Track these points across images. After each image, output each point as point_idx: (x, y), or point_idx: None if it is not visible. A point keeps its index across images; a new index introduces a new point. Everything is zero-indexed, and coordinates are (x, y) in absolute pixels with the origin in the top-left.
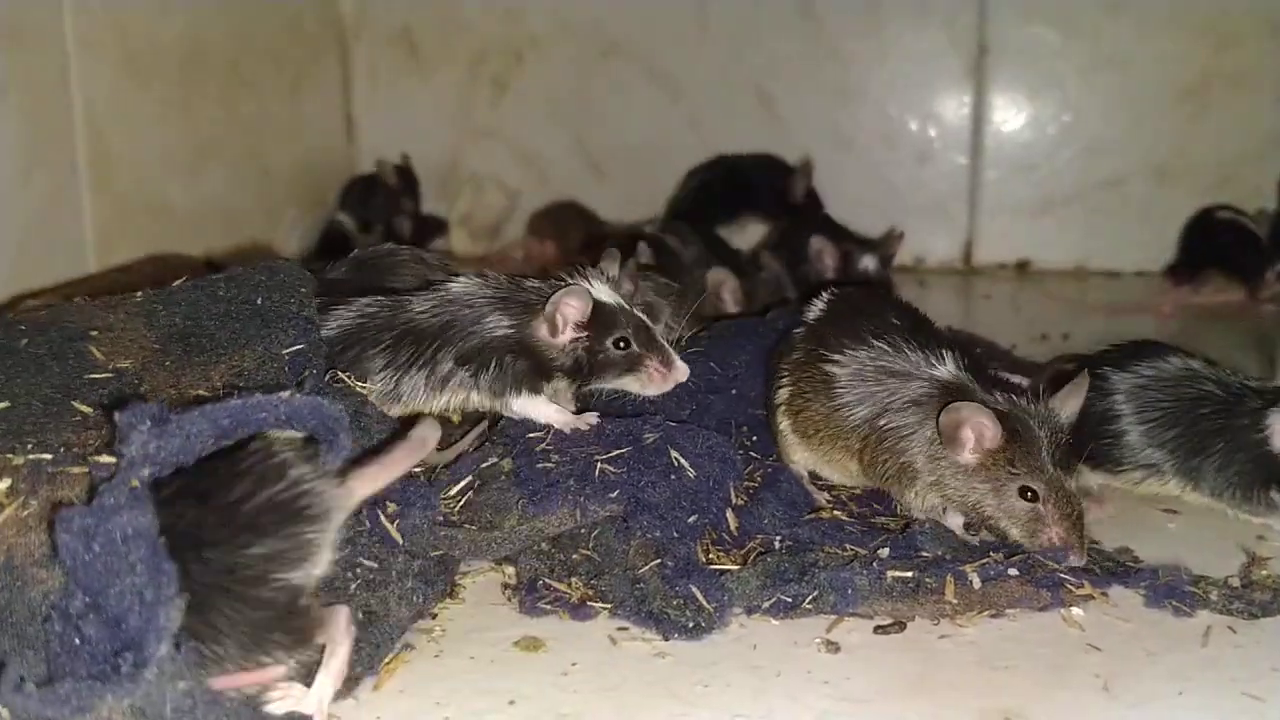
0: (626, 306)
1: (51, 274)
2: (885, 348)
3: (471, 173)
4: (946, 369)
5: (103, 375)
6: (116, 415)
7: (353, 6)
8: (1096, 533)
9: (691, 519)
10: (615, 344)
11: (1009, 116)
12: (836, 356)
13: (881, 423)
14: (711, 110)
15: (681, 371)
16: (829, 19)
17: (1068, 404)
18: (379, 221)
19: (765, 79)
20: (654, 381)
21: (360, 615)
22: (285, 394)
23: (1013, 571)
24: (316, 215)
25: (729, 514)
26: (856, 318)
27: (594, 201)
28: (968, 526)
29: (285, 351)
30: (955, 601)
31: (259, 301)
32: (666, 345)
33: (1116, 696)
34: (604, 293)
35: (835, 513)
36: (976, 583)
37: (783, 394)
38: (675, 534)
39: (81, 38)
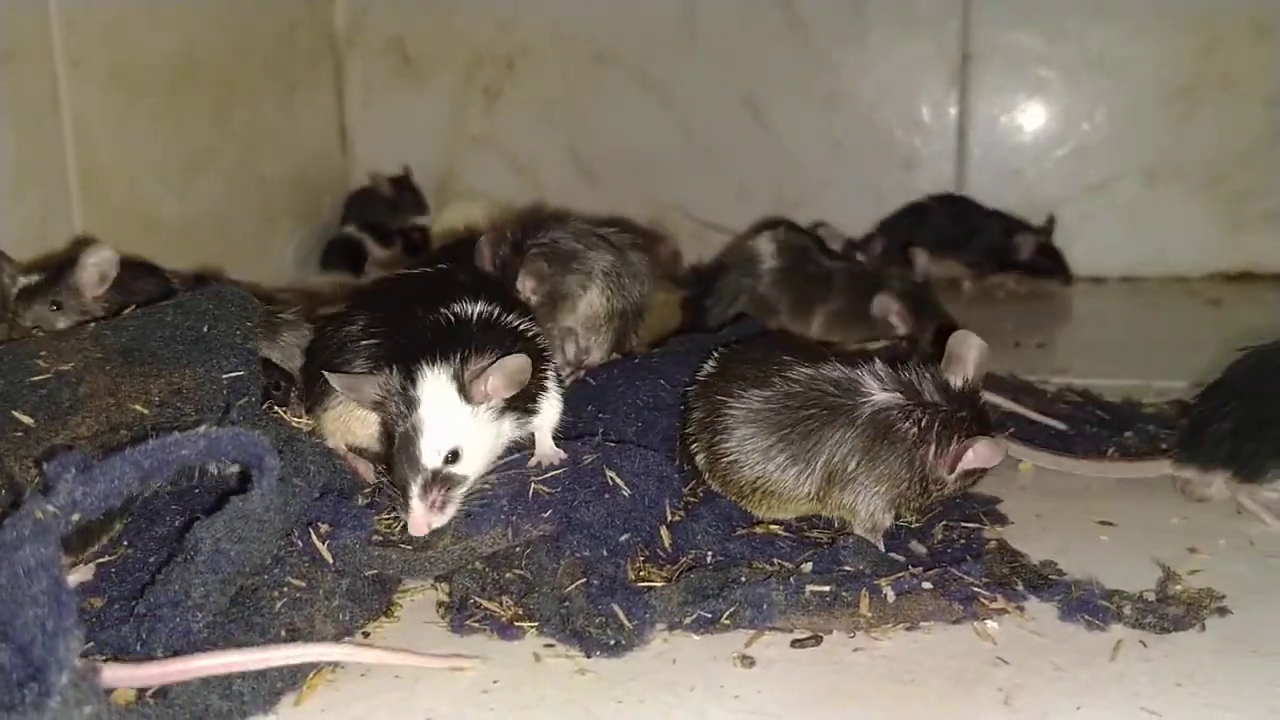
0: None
1: None
2: (797, 388)
3: (466, 184)
4: (879, 392)
5: (43, 377)
6: (44, 465)
7: (346, 17)
8: (1025, 545)
9: (624, 537)
10: None
11: (994, 122)
12: (741, 414)
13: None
14: (702, 117)
15: None
16: (815, 28)
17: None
18: (396, 233)
19: (754, 87)
20: None
21: (284, 633)
22: (202, 429)
23: (927, 585)
24: (311, 226)
25: (663, 531)
26: (754, 367)
27: (587, 210)
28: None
29: (225, 376)
30: (870, 615)
31: (204, 329)
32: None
33: (1017, 711)
34: None
35: (771, 527)
36: (891, 596)
37: (700, 460)
38: (605, 552)
39: (71, 53)
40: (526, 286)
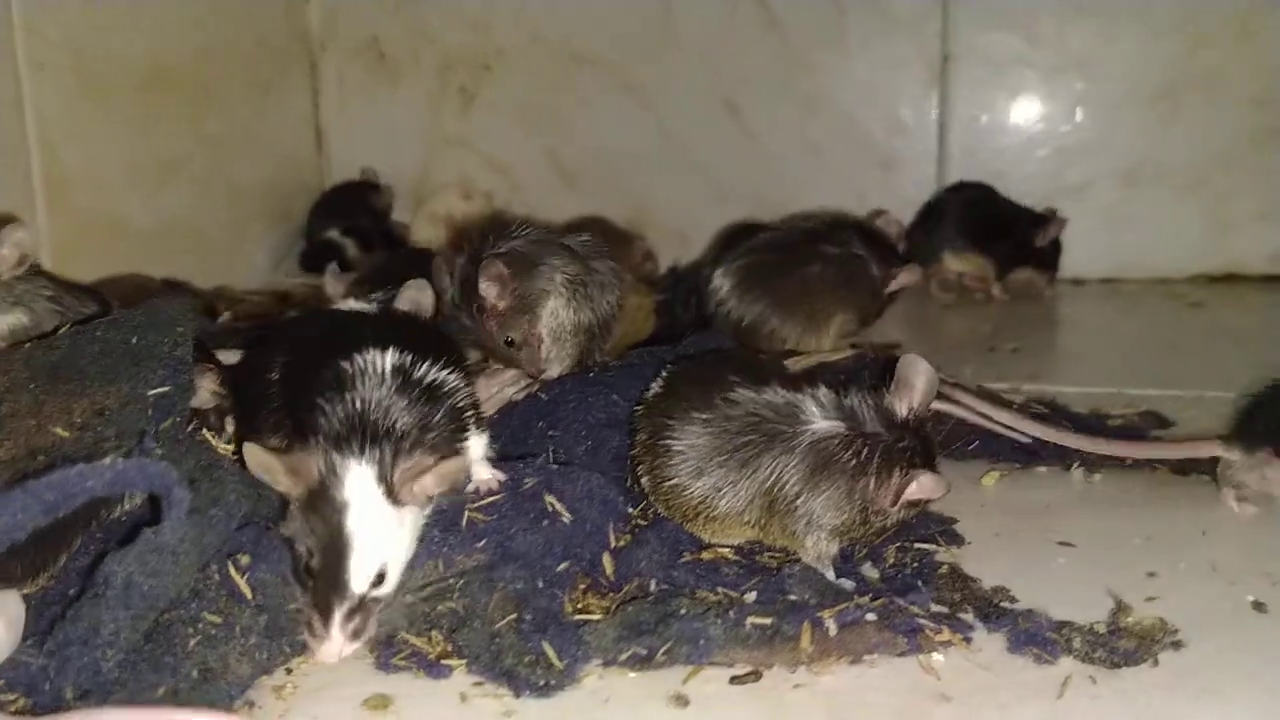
0: None
1: None
2: (740, 413)
3: (445, 181)
4: (820, 420)
5: None
6: None
7: (320, 17)
8: (977, 569)
9: (562, 566)
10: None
11: (975, 123)
12: (681, 437)
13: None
14: (681, 120)
15: None
16: (794, 30)
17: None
18: (377, 235)
19: (733, 88)
20: None
21: (195, 673)
22: (109, 460)
23: (870, 617)
24: (285, 228)
25: (605, 558)
26: (698, 389)
27: (564, 212)
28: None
29: (150, 393)
30: (811, 649)
31: (133, 340)
32: None
33: None
34: None
35: (720, 551)
36: (833, 629)
37: (645, 482)
38: (541, 584)
39: (34, 56)
40: (490, 293)
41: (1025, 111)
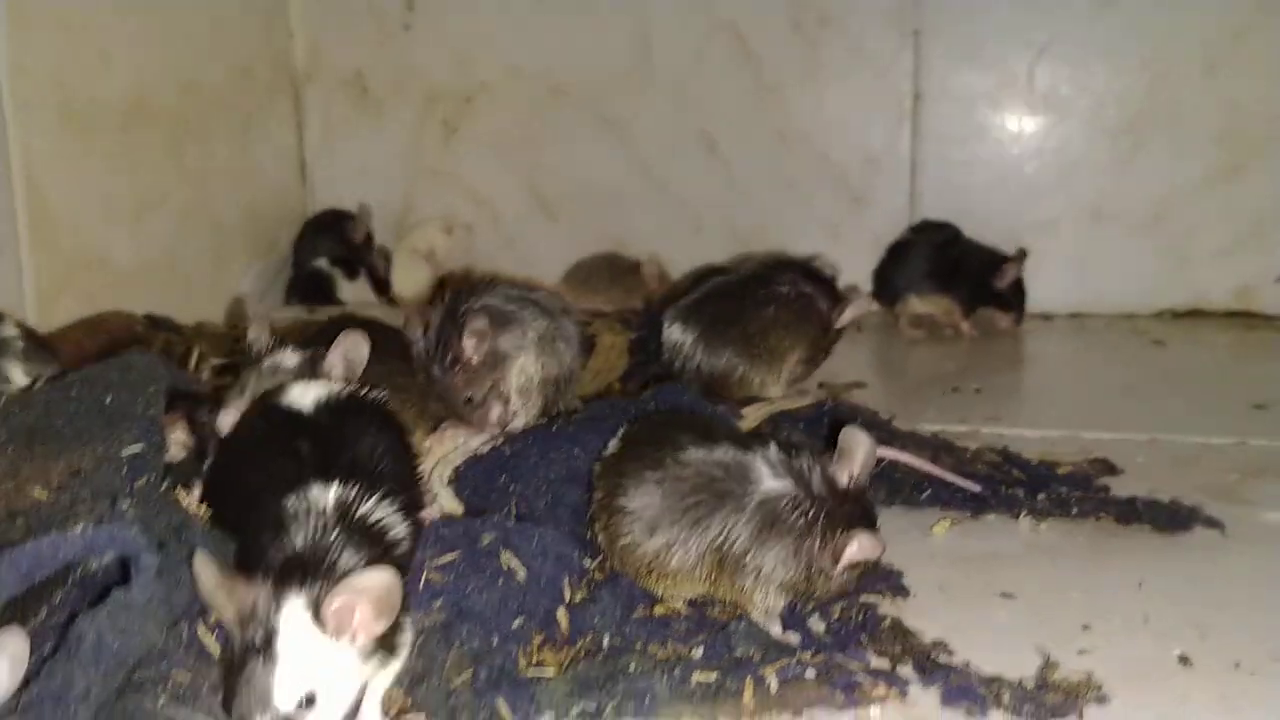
0: None
1: None
2: (690, 475)
3: (425, 214)
4: (769, 480)
5: None
6: None
7: (305, 51)
8: (919, 622)
9: (516, 623)
10: None
11: (945, 160)
12: (635, 497)
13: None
14: (658, 153)
15: None
16: (769, 66)
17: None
18: (358, 263)
19: (709, 123)
20: None
21: None
22: (79, 528)
23: (810, 673)
24: (268, 260)
25: (560, 613)
26: (651, 449)
27: (545, 243)
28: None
29: (124, 454)
30: (752, 705)
31: (107, 400)
32: None
33: None
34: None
35: (673, 605)
36: (774, 686)
37: (601, 539)
38: (496, 641)
39: (18, 95)
40: (469, 347)
41: (995, 149)
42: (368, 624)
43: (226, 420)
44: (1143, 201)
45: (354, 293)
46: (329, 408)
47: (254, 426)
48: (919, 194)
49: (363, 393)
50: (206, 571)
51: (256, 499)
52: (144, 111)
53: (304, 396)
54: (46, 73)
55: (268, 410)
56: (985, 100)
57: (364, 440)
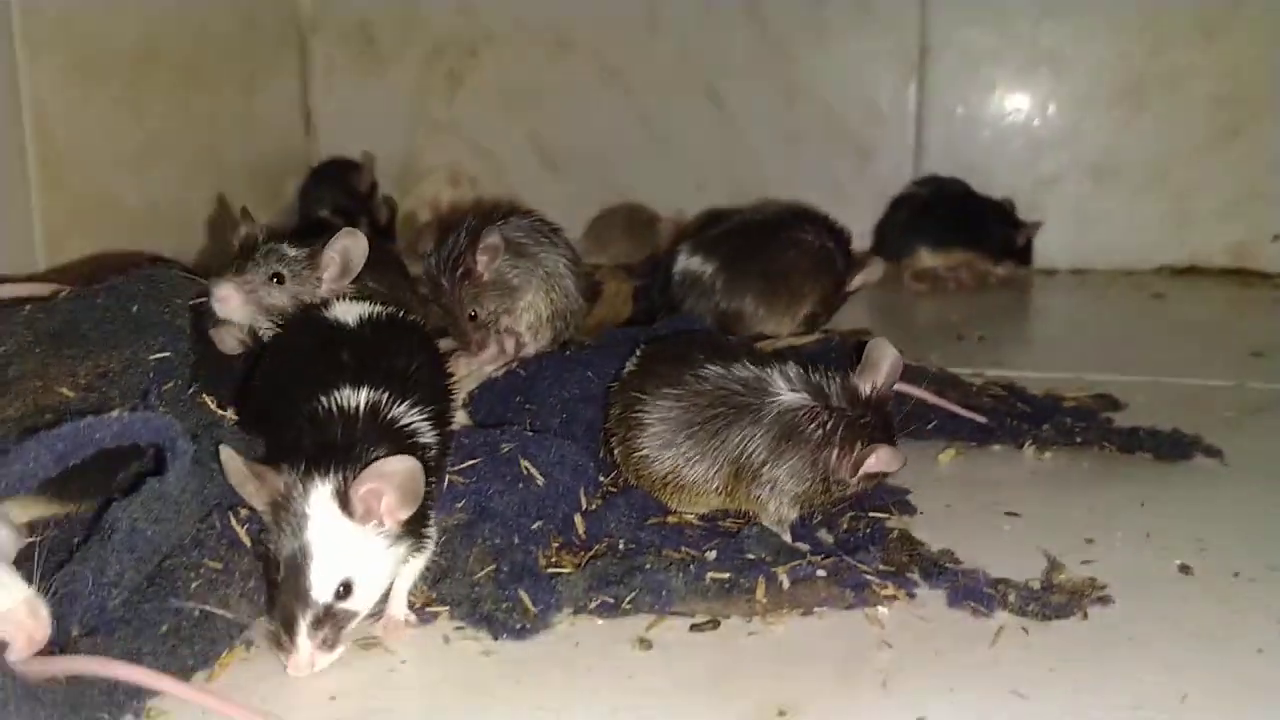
0: None
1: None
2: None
3: (429, 166)
4: (786, 393)
5: None
6: None
7: (310, 1)
8: (926, 535)
9: (536, 525)
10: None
11: (951, 116)
12: (653, 411)
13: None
14: (662, 107)
15: None
16: (775, 19)
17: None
18: (361, 212)
19: (714, 77)
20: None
21: (196, 612)
22: (115, 413)
23: (821, 573)
24: (274, 210)
25: (577, 519)
26: (669, 366)
27: (548, 196)
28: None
29: (151, 358)
30: (765, 601)
31: (134, 309)
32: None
33: (891, 693)
34: None
35: (684, 516)
36: (786, 583)
37: (617, 454)
38: (516, 540)
39: (30, 39)
40: (480, 261)
41: (999, 105)
42: (393, 509)
43: (222, 293)
44: (1144, 160)
45: None
46: (371, 323)
47: (298, 335)
48: (924, 148)
49: (402, 314)
50: (234, 462)
51: (293, 398)
52: (152, 58)
53: (349, 312)
54: (57, 17)
55: (311, 322)
56: (990, 57)
57: (400, 353)
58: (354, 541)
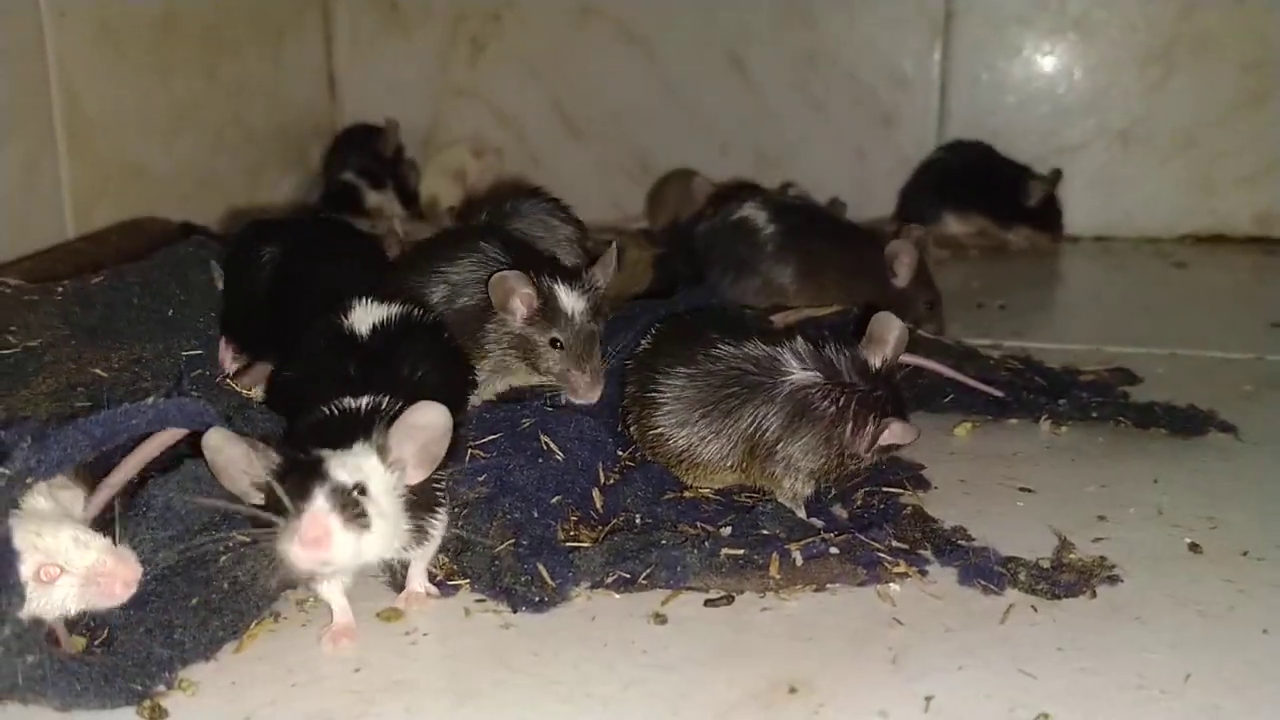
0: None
1: (30, 242)
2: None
3: (451, 136)
4: (798, 371)
5: (10, 351)
6: (1, 432)
7: None
8: (940, 511)
9: (555, 500)
10: (551, 343)
11: (975, 81)
12: (667, 390)
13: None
14: (685, 73)
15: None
16: None
17: None
18: (387, 177)
19: (737, 43)
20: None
21: (226, 585)
22: (150, 400)
23: (834, 550)
24: (300, 174)
25: (595, 493)
26: (683, 345)
27: (570, 162)
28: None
29: (184, 353)
30: (778, 577)
31: (169, 313)
32: (597, 363)
33: (900, 669)
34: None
35: (702, 491)
36: (799, 560)
37: (633, 430)
38: (536, 514)
39: (56, 5)
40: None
41: (1025, 70)
42: (413, 462)
43: None
44: (1171, 127)
45: (381, 205)
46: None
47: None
48: (948, 114)
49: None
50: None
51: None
52: (177, 23)
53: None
54: None
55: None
56: (1017, 21)
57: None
58: (367, 462)
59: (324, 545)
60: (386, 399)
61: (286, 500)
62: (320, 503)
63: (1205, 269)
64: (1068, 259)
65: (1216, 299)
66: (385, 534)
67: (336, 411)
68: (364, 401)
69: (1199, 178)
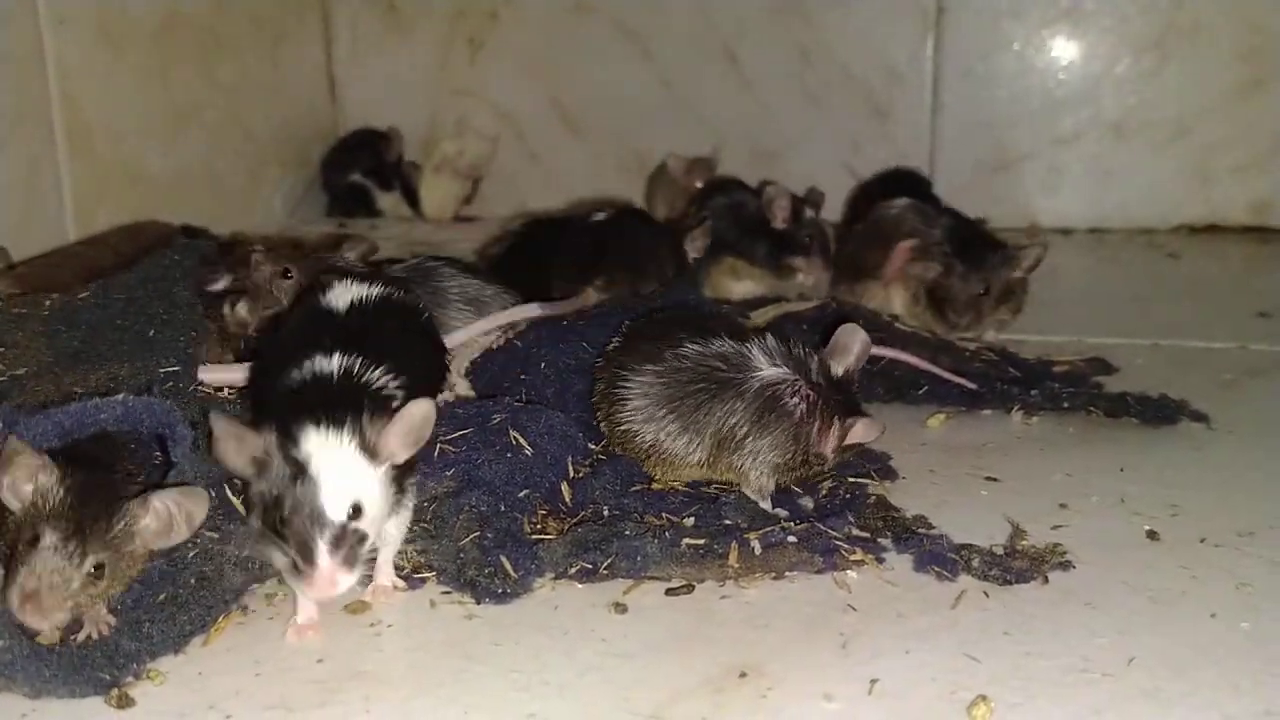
0: None
1: (31, 245)
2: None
3: (451, 131)
4: (767, 367)
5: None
6: None
7: None
8: (904, 501)
9: (522, 493)
10: None
11: (968, 74)
12: (635, 387)
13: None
14: (681, 69)
15: None
16: None
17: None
18: (396, 179)
19: (732, 38)
20: None
21: (193, 580)
22: (119, 397)
23: (792, 539)
24: (300, 175)
25: (564, 486)
26: (651, 344)
27: (568, 159)
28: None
29: (161, 371)
30: (738, 565)
31: (151, 334)
32: None
33: (850, 653)
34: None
35: (671, 483)
36: (758, 548)
37: (603, 426)
38: (502, 507)
39: (55, 8)
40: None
41: (1018, 62)
42: (400, 446)
43: None
44: (1165, 117)
45: (390, 206)
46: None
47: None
48: (941, 107)
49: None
50: (222, 422)
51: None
52: (177, 25)
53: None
54: None
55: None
56: (1009, 13)
57: (384, 328)
58: (357, 468)
59: (333, 589)
60: (365, 365)
61: (293, 554)
62: (325, 560)
63: (1197, 259)
64: (1060, 251)
65: (1206, 289)
66: (378, 526)
67: (311, 377)
68: (337, 364)
69: (1193, 168)
